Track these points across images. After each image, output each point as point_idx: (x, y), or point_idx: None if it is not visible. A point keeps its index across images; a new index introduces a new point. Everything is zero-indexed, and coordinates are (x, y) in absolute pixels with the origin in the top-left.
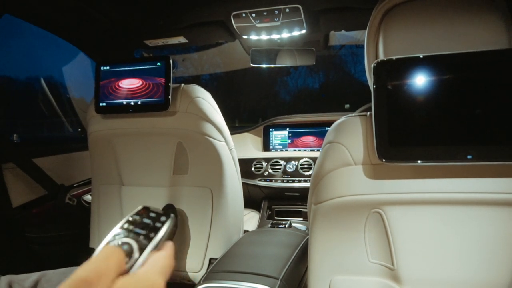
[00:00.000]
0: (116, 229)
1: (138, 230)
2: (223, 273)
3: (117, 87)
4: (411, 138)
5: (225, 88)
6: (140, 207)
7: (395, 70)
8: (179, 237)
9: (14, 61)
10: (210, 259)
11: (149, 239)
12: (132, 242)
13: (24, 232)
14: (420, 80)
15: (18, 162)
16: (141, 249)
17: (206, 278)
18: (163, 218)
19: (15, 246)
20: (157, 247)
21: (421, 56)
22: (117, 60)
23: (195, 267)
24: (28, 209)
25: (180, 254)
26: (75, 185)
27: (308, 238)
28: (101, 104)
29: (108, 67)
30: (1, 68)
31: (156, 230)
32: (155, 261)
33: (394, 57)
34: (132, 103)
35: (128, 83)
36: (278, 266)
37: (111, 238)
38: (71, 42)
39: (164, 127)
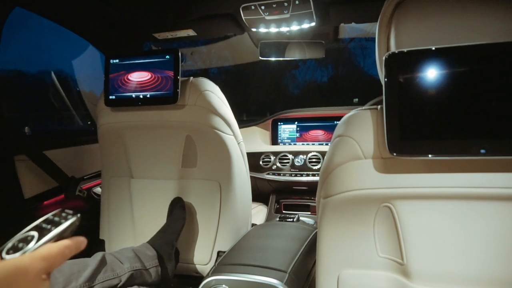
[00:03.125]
0: (34, 224)
1: (44, 225)
2: (231, 266)
3: (126, 80)
4: (422, 131)
5: (233, 82)
6: (58, 210)
7: (407, 62)
8: (187, 230)
9: (24, 54)
10: (218, 252)
11: (48, 232)
12: (34, 234)
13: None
14: (432, 73)
15: (30, 154)
16: (39, 239)
17: (215, 271)
18: (69, 217)
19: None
20: (53, 239)
21: (434, 49)
22: (126, 53)
23: (203, 259)
24: (39, 200)
25: (188, 247)
26: (85, 177)
27: (316, 232)
28: (110, 97)
29: (117, 60)
30: (13, 62)
31: (58, 225)
32: (42, 249)
33: (405, 50)
34: (141, 96)
35: (137, 76)
36: (286, 259)
37: (25, 229)
38: (81, 35)
39: (172, 120)
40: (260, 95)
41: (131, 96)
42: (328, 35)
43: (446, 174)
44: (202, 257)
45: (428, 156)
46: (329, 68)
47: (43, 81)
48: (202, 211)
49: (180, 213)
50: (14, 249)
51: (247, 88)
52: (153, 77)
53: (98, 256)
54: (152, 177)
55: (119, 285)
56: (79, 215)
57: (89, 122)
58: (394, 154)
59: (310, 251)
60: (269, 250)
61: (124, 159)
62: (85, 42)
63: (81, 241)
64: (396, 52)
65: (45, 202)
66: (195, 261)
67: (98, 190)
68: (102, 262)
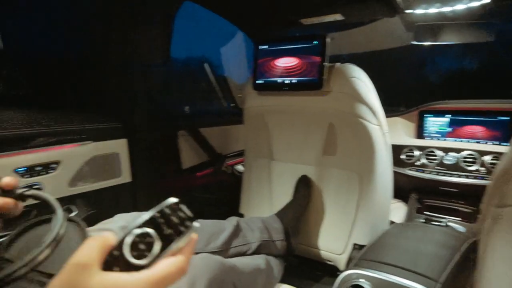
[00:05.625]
0: (147, 215)
1: (163, 227)
2: (374, 263)
3: (273, 66)
4: None
5: (365, 69)
6: (173, 201)
7: None
8: (322, 216)
9: (183, 42)
10: (354, 245)
11: (170, 242)
12: (153, 235)
13: (191, 192)
14: None
15: (188, 130)
16: (161, 248)
17: (357, 265)
18: (188, 223)
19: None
20: (171, 252)
21: None
22: (275, 39)
23: (337, 249)
24: (193, 172)
25: (321, 234)
26: (229, 155)
27: (470, 243)
28: (257, 81)
29: (266, 46)
30: (179, 50)
31: (179, 234)
32: (160, 268)
33: None
34: (287, 82)
35: (284, 62)
36: (435, 267)
37: (143, 218)
38: (232, 22)
39: (316, 107)
40: (396, 83)
41: (277, 81)
42: (500, 14)
43: None
44: (336, 246)
45: None
46: (483, 53)
47: (196, 66)
48: (339, 201)
49: (305, 191)
50: (137, 252)
51: (381, 76)
52: (299, 62)
53: (233, 220)
54: (291, 161)
55: (248, 252)
56: (195, 224)
57: (232, 105)
58: None
59: (464, 263)
60: (415, 253)
61: (266, 141)
62: (230, 32)
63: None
64: None
65: (198, 174)
66: (328, 249)
67: (239, 167)
68: (237, 228)
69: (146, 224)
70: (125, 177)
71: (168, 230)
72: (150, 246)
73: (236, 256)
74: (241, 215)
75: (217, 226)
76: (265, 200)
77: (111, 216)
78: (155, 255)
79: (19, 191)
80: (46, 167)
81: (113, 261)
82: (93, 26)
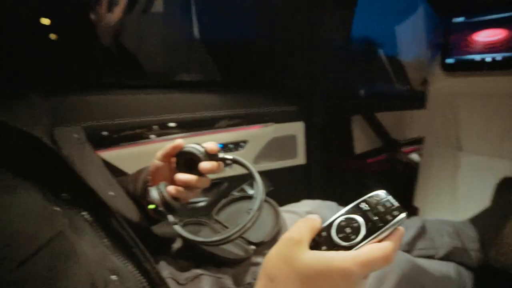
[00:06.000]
0: (353, 203)
1: (370, 214)
2: None
3: (471, 41)
4: None
5: None
6: (380, 191)
7: None
8: None
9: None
10: None
11: (376, 229)
12: (360, 221)
13: (362, 178)
14: None
15: (364, 115)
16: (367, 234)
17: None
18: (395, 213)
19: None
20: (377, 239)
21: None
22: (474, 10)
23: None
24: (364, 158)
25: None
26: (403, 142)
27: None
28: (447, 60)
29: (462, 18)
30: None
31: (386, 222)
32: (367, 251)
33: None
34: (488, 60)
35: (486, 35)
36: None
37: (349, 207)
38: None
39: None
40: None
41: (474, 59)
42: None
43: None
44: None
45: None
46: None
47: (369, 45)
48: None
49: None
50: (343, 235)
51: None
52: (508, 35)
53: (416, 221)
54: (487, 154)
55: (434, 257)
56: (406, 213)
57: (407, 87)
58: None
59: None
60: None
61: (453, 129)
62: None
63: (402, 234)
64: None
65: (369, 160)
66: None
67: (415, 157)
68: (422, 230)
69: (352, 210)
70: (300, 159)
71: (375, 218)
72: (356, 230)
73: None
74: (415, 209)
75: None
76: (446, 197)
77: (287, 194)
78: (361, 239)
79: (221, 155)
80: (237, 145)
81: (321, 241)
82: (278, 9)
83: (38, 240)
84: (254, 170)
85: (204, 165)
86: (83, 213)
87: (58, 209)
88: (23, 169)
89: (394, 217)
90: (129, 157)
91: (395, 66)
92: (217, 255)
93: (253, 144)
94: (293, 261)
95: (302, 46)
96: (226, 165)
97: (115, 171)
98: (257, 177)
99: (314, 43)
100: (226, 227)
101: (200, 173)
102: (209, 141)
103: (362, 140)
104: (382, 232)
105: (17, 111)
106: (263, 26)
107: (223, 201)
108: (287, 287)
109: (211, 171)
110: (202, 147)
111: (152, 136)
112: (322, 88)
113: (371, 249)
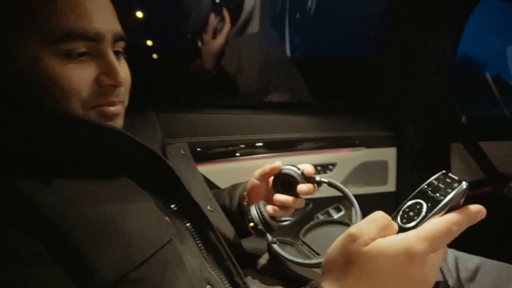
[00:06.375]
0: (418, 189)
1: (430, 193)
2: None
3: None
4: None
5: None
6: (440, 173)
7: None
8: None
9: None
10: None
11: (436, 203)
12: (421, 202)
13: None
14: None
15: (465, 143)
16: (428, 210)
17: None
18: (455, 185)
19: None
20: (441, 212)
21: None
22: None
23: None
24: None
25: None
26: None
27: None
28: None
29: None
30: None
31: (445, 195)
32: (427, 227)
33: None
34: None
35: None
36: None
37: (411, 196)
38: None
39: None
40: None
41: None
42: None
43: None
44: None
45: None
46: None
47: (473, 66)
48: None
49: None
50: (407, 218)
51: None
52: None
53: None
54: None
55: None
56: (466, 182)
57: None
58: None
59: None
60: None
61: None
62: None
63: (476, 212)
64: None
65: (469, 193)
66: None
67: None
68: None
69: (415, 196)
70: (390, 185)
71: (435, 195)
72: (418, 211)
73: None
74: None
75: (506, 271)
76: None
77: None
78: (422, 216)
79: (318, 178)
80: (325, 167)
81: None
82: (379, 28)
83: (154, 245)
84: (351, 195)
85: (302, 187)
86: (187, 224)
87: (167, 218)
88: (144, 180)
89: (454, 189)
90: (217, 172)
91: (503, 89)
92: (305, 277)
93: (342, 167)
94: (353, 256)
95: (403, 67)
96: (320, 186)
97: (210, 185)
98: (355, 204)
99: (417, 65)
100: (313, 250)
101: (296, 194)
102: (304, 163)
103: (461, 171)
104: (443, 206)
105: (138, 127)
106: (361, 47)
107: (311, 223)
108: (356, 284)
109: (308, 193)
110: (299, 169)
111: (238, 154)
112: (420, 113)
113: (432, 223)
